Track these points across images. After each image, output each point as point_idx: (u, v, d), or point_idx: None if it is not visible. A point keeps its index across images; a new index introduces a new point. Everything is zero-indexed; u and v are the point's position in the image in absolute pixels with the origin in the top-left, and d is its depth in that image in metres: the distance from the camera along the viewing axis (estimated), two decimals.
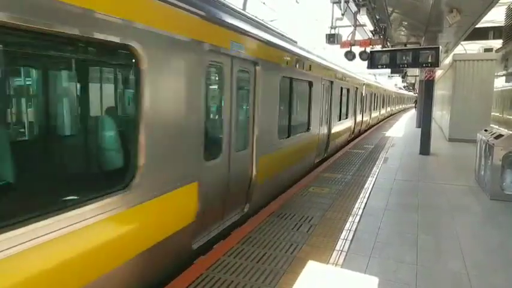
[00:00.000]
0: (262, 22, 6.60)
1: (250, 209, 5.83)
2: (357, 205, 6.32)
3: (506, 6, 9.62)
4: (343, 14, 10.63)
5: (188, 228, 4.12)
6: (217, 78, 4.90)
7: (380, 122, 27.83)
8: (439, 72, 21.53)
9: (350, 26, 11.36)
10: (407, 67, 11.27)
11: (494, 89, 11.04)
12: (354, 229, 5.20)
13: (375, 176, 8.62)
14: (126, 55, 3.22)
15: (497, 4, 8.03)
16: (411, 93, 57.94)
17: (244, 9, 8.18)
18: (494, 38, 14.65)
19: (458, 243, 4.82)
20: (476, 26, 10.93)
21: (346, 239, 4.83)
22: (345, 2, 9.75)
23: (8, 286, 2.31)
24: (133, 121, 3.31)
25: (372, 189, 7.45)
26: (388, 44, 12.84)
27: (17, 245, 2.32)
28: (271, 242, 4.68)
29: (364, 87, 18.40)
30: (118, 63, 3.72)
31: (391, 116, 36.88)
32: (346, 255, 4.37)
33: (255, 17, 6.40)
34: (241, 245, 4.55)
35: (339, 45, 10.97)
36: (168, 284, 3.64)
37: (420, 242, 4.80)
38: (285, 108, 7.49)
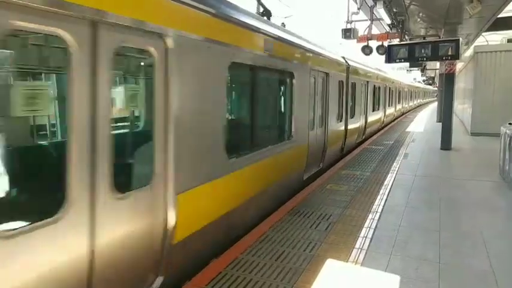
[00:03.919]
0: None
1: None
2: (376, 202, 6.22)
3: None
4: (359, 8, 10.49)
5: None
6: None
7: (403, 114, 28.76)
8: (459, 65, 20.98)
9: (366, 20, 11.20)
10: (426, 60, 11.03)
11: None
12: (373, 226, 5.12)
13: (395, 172, 8.47)
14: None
15: None
16: (430, 87, 56.69)
17: (258, 6, 8.23)
18: None
19: (483, 240, 4.67)
20: (499, 16, 10.60)
21: (365, 237, 4.76)
22: None
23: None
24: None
25: (391, 185, 7.32)
26: (406, 37, 12.60)
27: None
28: (289, 240, 4.65)
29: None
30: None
31: (415, 109, 36.91)
32: (366, 253, 4.30)
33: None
34: (259, 243, 4.54)
35: (355, 40, 10.83)
36: (189, 282, 3.67)
37: (442, 240, 4.68)
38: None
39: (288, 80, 6.67)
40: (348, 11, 10.65)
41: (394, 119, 23.49)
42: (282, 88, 6.90)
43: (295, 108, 6.74)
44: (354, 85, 11.51)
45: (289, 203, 6.15)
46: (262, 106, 5.97)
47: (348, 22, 10.69)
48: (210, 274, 3.78)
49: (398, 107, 25.38)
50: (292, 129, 6.72)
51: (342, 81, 10.17)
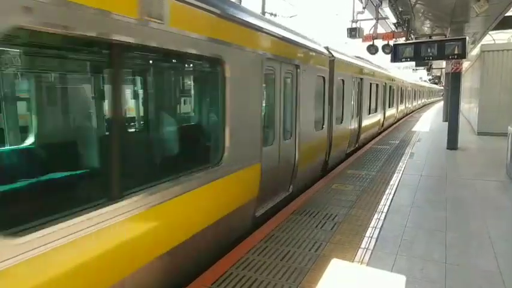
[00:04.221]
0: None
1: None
2: (382, 202, 6.20)
3: None
4: (364, 8, 10.44)
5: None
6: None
7: (407, 115, 27.91)
8: (466, 64, 20.83)
9: (372, 19, 11.15)
10: (432, 60, 10.96)
11: None
12: (379, 226, 5.10)
13: (401, 172, 8.43)
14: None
15: None
16: (436, 86, 56.35)
17: (263, 6, 8.20)
18: None
19: (490, 240, 4.64)
20: (506, 15, 10.50)
21: (371, 237, 4.74)
22: None
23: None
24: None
25: (397, 185, 7.29)
26: (412, 36, 12.52)
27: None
28: (294, 240, 4.66)
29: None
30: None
31: (421, 109, 36.49)
32: (371, 253, 4.29)
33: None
34: (264, 243, 4.54)
35: (360, 39, 10.79)
36: (194, 280, 3.68)
37: (449, 240, 4.65)
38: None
39: (210, 73, 4.43)
40: (353, 10, 10.62)
41: (396, 121, 22.20)
42: (195, 85, 4.77)
43: (230, 117, 4.40)
44: (341, 82, 9.58)
45: (292, 204, 6.15)
46: (142, 115, 3.83)
47: (353, 21, 10.65)
48: (215, 273, 3.80)
49: (401, 107, 24.02)
50: (225, 149, 4.37)
51: (324, 78, 8.15)
